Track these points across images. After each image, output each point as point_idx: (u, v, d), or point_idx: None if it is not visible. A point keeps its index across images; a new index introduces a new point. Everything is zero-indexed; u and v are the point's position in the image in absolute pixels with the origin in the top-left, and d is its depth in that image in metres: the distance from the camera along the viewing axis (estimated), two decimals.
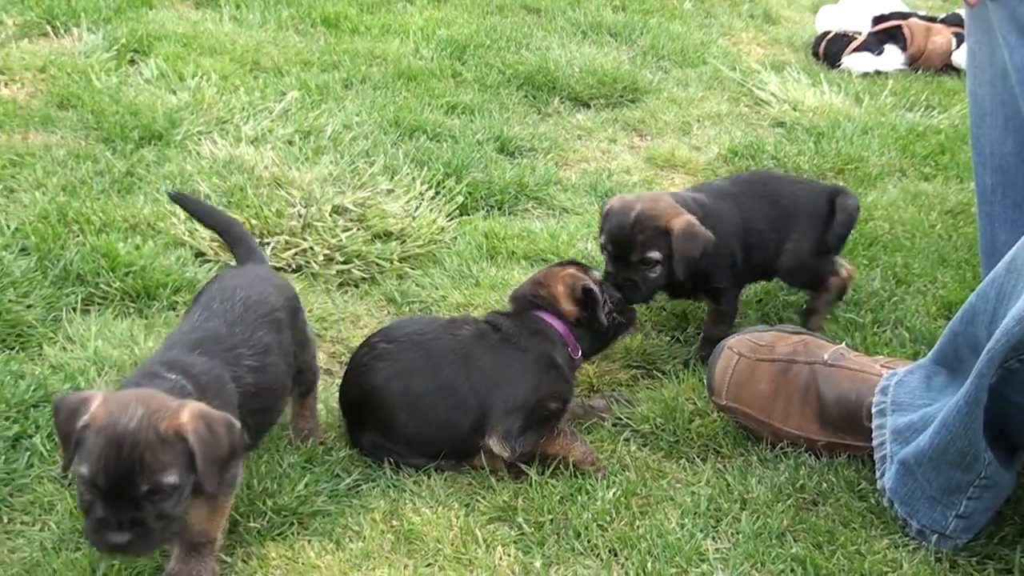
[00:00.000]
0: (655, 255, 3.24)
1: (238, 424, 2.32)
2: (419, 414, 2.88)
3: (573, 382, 3.06)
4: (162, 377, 2.39)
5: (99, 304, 3.46)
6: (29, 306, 3.33)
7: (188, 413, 2.23)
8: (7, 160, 4.17)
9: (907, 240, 4.22)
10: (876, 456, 2.87)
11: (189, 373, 2.44)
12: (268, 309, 2.75)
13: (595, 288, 3.05)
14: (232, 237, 3.14)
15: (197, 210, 3.28)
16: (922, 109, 5.67)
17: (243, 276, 2.86)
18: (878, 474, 2.85)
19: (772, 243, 3.49)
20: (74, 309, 3.40)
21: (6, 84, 4.89)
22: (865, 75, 6.24)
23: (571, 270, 3.11)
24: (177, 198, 3.31)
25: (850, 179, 4.73)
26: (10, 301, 3.31)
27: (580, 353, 3.07)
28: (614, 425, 3.14)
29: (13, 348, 3.20)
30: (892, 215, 4.39)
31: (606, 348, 3.24)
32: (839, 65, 6.33)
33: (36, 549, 2.53)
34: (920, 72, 6.31)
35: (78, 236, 3.69)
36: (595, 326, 3.07)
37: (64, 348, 3.23)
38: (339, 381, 3.07)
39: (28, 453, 2.79)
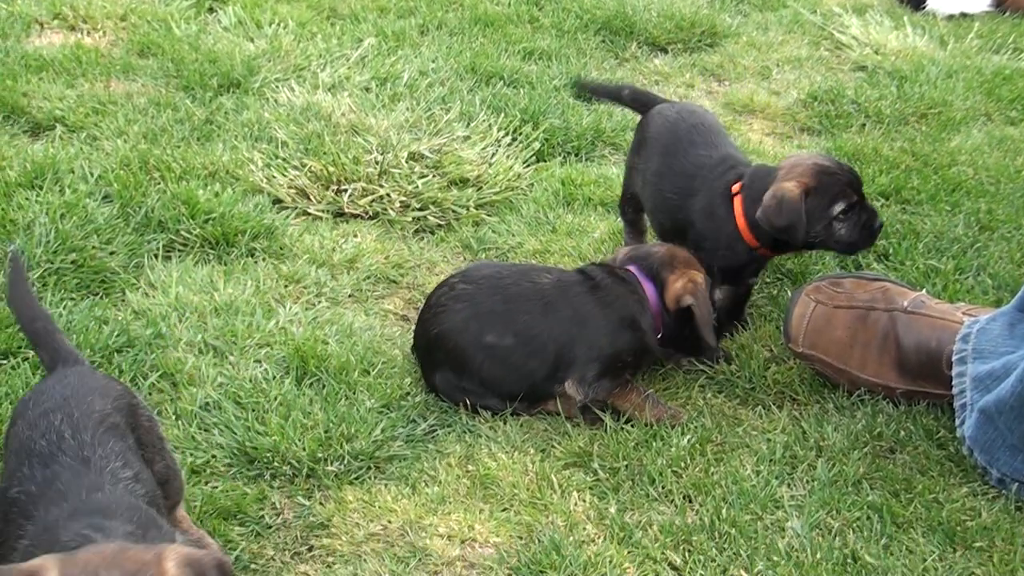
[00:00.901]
0: None
1: (228, 560, 1.91)
2: (494, 358, 2.90)
3: (651, 346, 3.03)
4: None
5: (179, 251, 3.50)
6: (112, 253, 3.39)
7: (173, 564, 1.76)
8: (90, 108, 4.23)
9: (991, 186, 4.14)
10: (956, 404, 2.84)
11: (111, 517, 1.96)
12: (98, 419, 2.19)
13: (699, 307, 2.98)
14: (37, 336, 2.45)
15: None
16: (1009, 52, 5.53)
17: (51, 395, 2.24)
18: (957, 422, 2.82)
19: None
20: (155, 256, 3.45)
21: (88, 33, 4.94)
22: (950, 17, 6.10)
23: (694, 282, 3.02)
24: None
25: (933, 123, 4.64)
26: (93, 248, 3.36)
27: (659, 334, 3.04)
28: (689, 372, 3.13)
29: (97, 294, 3.26)
30: (976, 160, 4.30)
31: (676, 352, 3.14)
32: (923, 7, 6.19)
33: None
34: (1007, 14, 6.15)
35: (159, 183, 3.74)
36: (683, 329, 3.03)
37: (146, 294, 3.28)
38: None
39: None
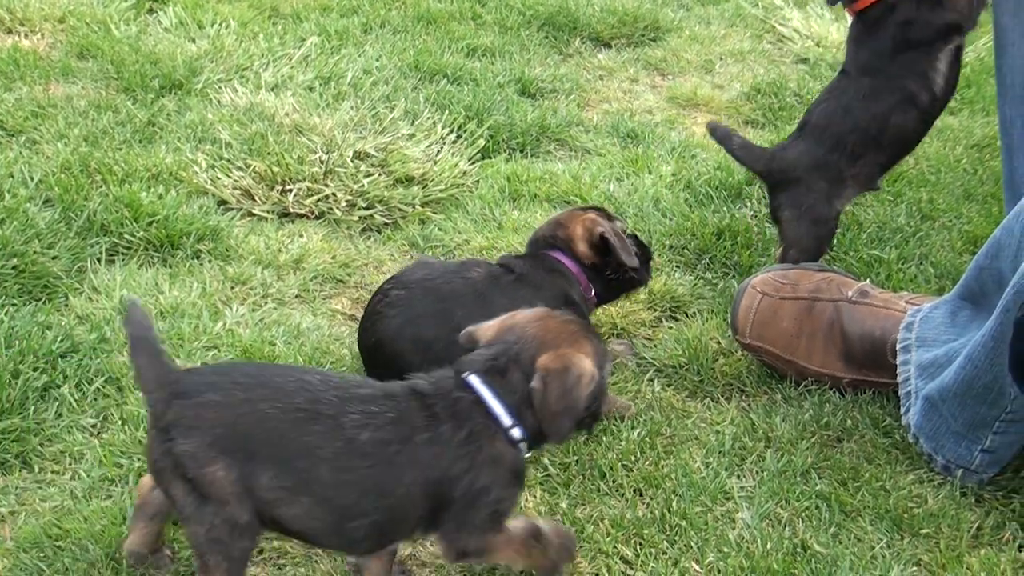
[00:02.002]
0: None
1: None
2: (434, 358, 2.87)
3: (589, 320, 3.05)
4: None
5: (123, 254, 3.47)
6: (54, 257, 3.35)
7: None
8: (29, 112, 4.18)
9: (932, 175, 4.19)
10: (901, 392, 2.87)
11: None
12: None
13: (612, 235, 3.02)
14: None
15: None
16: None
17: None
18: (903, 410, 2.85)
19: None
20: (99, 260, 3.42)
21: (26, 35, 4.88)
22: None
23: (592, 215, 3.09)
24: None
25: None
26: (35, 253, 3.32)
27: (593, 294, 3.06)
28: (638, 365, 3.15)
29: (39, 299, 3.22)
30: (917, 150, 4.34)
31: (615, 299, 3.20)
32: None
33: (67, 497, 2.56)
34: None
35: (101, 187, 3.70)
36: (607, 273, 3.06)
37: (90, 298, 3.25)
38: None
39: (57, 403, 2.81)
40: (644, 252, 3.17)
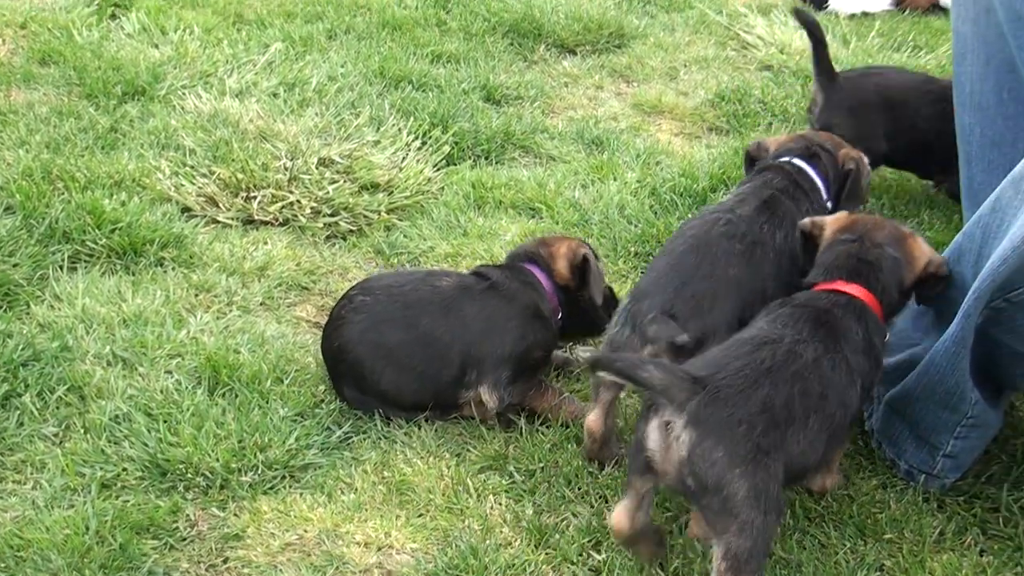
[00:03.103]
0: None
1: None
2: (395, 364, 2.88)
3: (556, 333, 3.07)
4: None
5: (85, 262, 3.45)
6: (15, 265, 3.32)
7: None
8: None
9: (893, 182, 4.21)
10: None
11: None
12: None
13: (593, 262, 3.03)
14: None
15: None
16: (909, 49, 5.63)
17: None
18: (866, 416, 2.87)
19: None
20: (61, 267, 3.39)
21: None
22: (852, 16, 6.20)
23: (578, 242, 3.12)
24: None
25: None
26: None
27: (559, 315, 3.07)
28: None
29: (1, 308, 3.20)
30: None
31: (573, 332, 3.18)
32: (826, 6, 6.28)
33: (28, 507, 2.54)
34: (907, 12, 6.27)
35: (63, 194, 3.67)
36: (580, 300, 3.07)
37: (52, 306, 3.23)
38: None
39: (18, 412, 2.80)
40: (611, 300, 3.16)
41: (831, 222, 2.77)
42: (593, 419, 2.70)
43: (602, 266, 3.17)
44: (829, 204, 3.15)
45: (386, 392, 2.88)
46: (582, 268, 3.04)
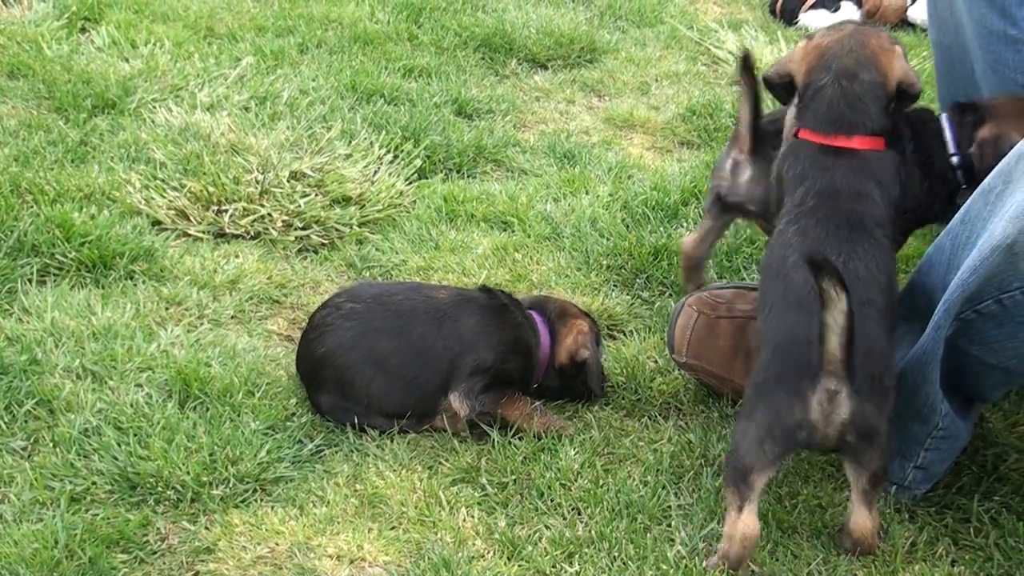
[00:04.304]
0: None
1: None
2: (386, 372, 2.89)
3: (531, 382, 3.07)
4: None
5: (55, 275, 3.42)
6: None
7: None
8: None
9: None
10: None
11: None
12: None
13: (593, 363, 3.03)
14: None
15: None
16: None
17: None
18: None
19: None
20: (29, 280, 3.36)
21: None
22: None
23: (586, 328, 3.07)
24: None
25: None
26: None
27: (539, 380, 3.07)
28: None
29: None
30: None
31: (559, 395, 3.13)
32: (796, 22, 6.33)
33: None
34: (876, 26, 6.31)
35: (32, 207, 3.65)
36: (571, 384, 3.08)
37: (20, 320, 3.20)
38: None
39: None
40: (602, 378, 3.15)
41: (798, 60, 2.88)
42: (691, 241, 3.01)
43: (604, 354, 3.17)
44: None
45: (373, 398, 2.89)
46: (575, 367, 3.04)
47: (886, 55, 2.76)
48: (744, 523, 2.44)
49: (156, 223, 3.75)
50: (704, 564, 2.50)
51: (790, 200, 2.70)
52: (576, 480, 2.75)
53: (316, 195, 3.94)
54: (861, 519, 2.54)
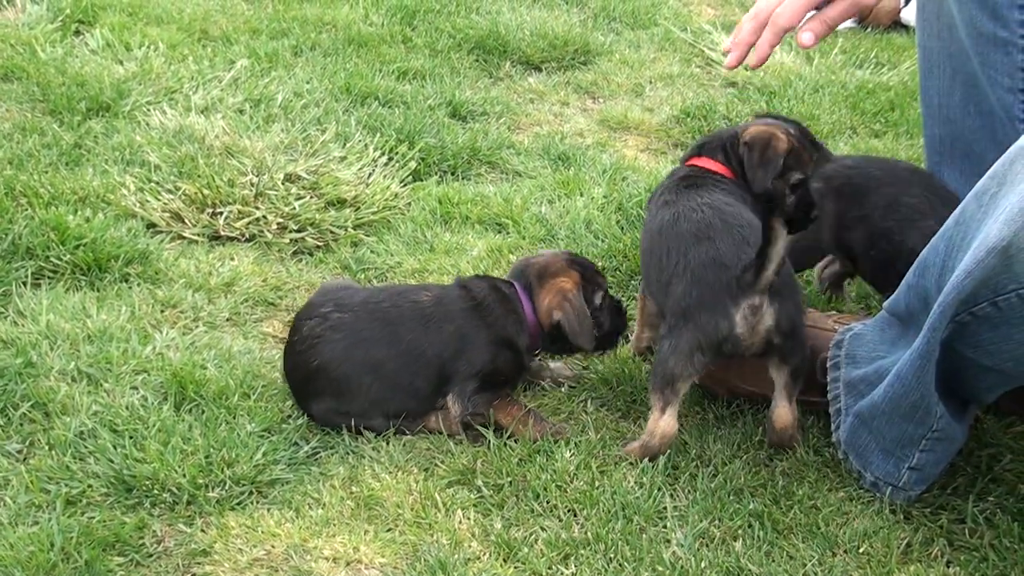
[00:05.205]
0: None
1: None
2: (382, 379, 2.91)
3: (527, 364, 3.09)
4: None
5: (50, 278, 3.42)
6: None
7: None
8: None
9: None
10: (831, 409, 2.90)
11: None
12: None
13: (569, 322, 3.00)
14: None
15: None
16: (872, 66, 5.69)
17: None
18: (833, 427, 2.88)
19: None
20: (24, 283, 3.36)
21: None
22: None
23: (568, 284, 3.03)
24: None
25: None
26: None
27: (537, 347, 3.08)
28: (571, 387, 3.15)
29: None
30: None
31: (560, 351, 3.18)
32: None
33: None
34: (869, 30, 6.33)
35: (27, 210, 3.65)
36: (564, 344, 3.08)
37: (15, 323, 3.20)
38: None
39: None
40: (617, 321, 3.14)
41: None
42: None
43: (601, 293, 3.11)
44: None
45: (371, 402, 2.90)
46: (556, 330, 3.04)
47: None
48: (665, 423, 2.79)
49: (151, 226, 3.75)
50: (623, 449, 2.86)
51: None
52: (572, 482, 2.75)
53: (311, 197, 3.94)
54: (783, 411, 2.84)
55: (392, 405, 2.91)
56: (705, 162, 3.11)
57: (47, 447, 2.73)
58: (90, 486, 2.63)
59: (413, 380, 2.92)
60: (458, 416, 2.91)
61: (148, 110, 4.47)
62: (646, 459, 2.81)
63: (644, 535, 2.60)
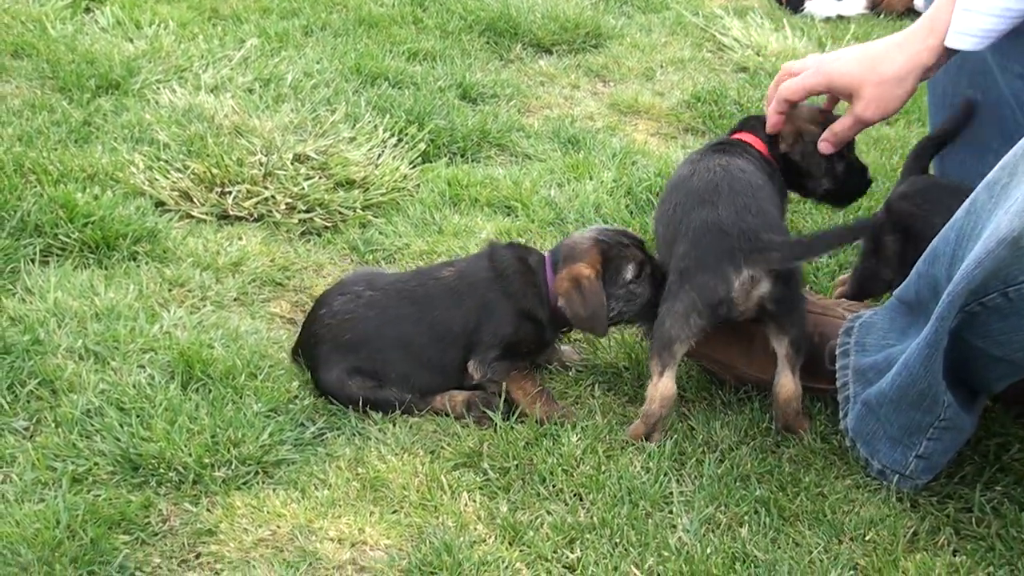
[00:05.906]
0: None
1: None
2: (412, 357, 2.96)
3: (549, 338, 3.08)
4: None
5: (58, 255, 3.42)
6: None
7: None
8: None
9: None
10: (840, 397, 2.89)
11: None
12: None
13: (573, 306, 2.94)
14: None
15: None
16: None
17: None
18: (841, 414, 2.88)
19: None
20: (32, 261, 3.36)
21: None
22: (827, 20, 6.23)
23: (584, 268, 2.95)
24: None
25: None
26: None
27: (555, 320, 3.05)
28: (579, 371, 3.15)
29: None
30: None
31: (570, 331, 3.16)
32: (802, 10, 6.31)
33: None
34: (882, 16, 6.31)
35: (35, 187, 3.64)
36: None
37: (23, 300, 3.20)
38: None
39: None
40: (659, 293, 2.96)
41: None
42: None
43: (633, 265, 3.00)
44: None
45: (400, 376, 2.95)
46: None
47: None
48: (664, 385, 2.80)
49: (159, 204, 3.75)
50: (628, 432, 2.87)
51: None
52: (578, 466, 2.74)
53: (320, 178, 3.93)
54: (786, 381, 2.86)
55: (423, 380, 2.96)
56: (745, 135, 3.17)
57: (54, 424, 2.73)
58: (96, 464, 2.63)
59: (443, 356, 2.97)
60: (478, 380, 2.97)
61: (157, 88, 4.46)
62: (651, 427, 2.83)
63: (650, 520, 2.60)
